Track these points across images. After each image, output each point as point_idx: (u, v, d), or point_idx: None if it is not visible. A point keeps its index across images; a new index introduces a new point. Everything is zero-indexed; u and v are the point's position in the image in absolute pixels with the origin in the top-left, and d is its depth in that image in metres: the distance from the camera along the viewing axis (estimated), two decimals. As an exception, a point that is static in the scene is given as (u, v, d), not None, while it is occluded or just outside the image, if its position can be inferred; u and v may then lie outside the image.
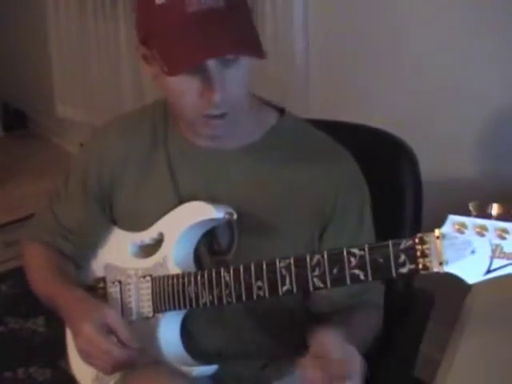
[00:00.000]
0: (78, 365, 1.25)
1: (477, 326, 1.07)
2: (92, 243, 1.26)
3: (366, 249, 0.91)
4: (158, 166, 1.18)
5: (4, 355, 2.29)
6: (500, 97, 1.79)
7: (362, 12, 2.07)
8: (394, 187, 1.35)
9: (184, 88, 1.02)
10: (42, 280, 1.24)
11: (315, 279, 0.96)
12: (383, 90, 2.06)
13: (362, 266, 0.92)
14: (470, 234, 0.83)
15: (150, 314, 1.15)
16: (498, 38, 1.74)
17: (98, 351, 1.07)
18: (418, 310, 1.35)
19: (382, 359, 1.20)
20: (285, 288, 0.98)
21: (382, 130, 1.41)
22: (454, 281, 1.42)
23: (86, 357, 1.10)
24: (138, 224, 1.19)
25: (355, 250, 0.93)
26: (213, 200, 1.12)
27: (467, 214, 0.83)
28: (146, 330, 1.15)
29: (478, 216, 0.83)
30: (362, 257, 0.92)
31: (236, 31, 0.99)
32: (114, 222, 1.25)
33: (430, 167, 1.85)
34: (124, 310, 1.19)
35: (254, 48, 1.00)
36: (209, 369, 1.11)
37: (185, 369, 1.10)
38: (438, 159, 1.92)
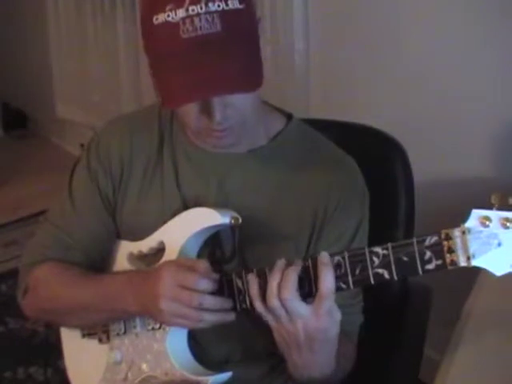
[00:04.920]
0: (78, 378, 1.24)
1: (477, 328, 1.07)
2: (102, 254, 1.21)
3: (390, 247, 0.91)
4: (163, 169, 1.16)
5: (4, 355, 2.29)
6: (500, 98, 1.79)
7: (362, 12, 2.07)
8: (388, 186, 1.34)
9: (183, 107, 1.01)
10: (69, 288, 1.16)
11: (336, 280, 0.95)
12: (383, 90, 2.06)
13: (385, 264, 0.91)
14: (494, 226, 0.84)
15: (157, 326, 1.12)
16: (501, 40, 1.74)
17: (186, 296, 1.01)
18: (417, 307, 1.35)
19: (387, 363, 1.21)
20: (303, 291, 0.96)
21: (375, 128, 1.40)
22: (454, 281, 1.42)
23: (174, 312, 1.02)
24: (139, 230, 1.16)
25: (378, 249, 0.92)
26: (218, 205, 1.11)
27: (489, 206, 0.84)
28: (152, 342, 1.13)
29: (500, 208, 0.83)
30: (385, 256, 0.91)
31: (232, 62, 0.94)
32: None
33: (429, 169, 1.86)
34: (126, 322, 1.16)
35: (252, 80, 0.96)
36: (224, 376, 1.10)
37: (200, 379, 1.09)
38: (436, 160, 1.93)
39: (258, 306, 0.98)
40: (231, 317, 1.05)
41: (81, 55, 3.46)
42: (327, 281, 0.93)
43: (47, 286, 1.19)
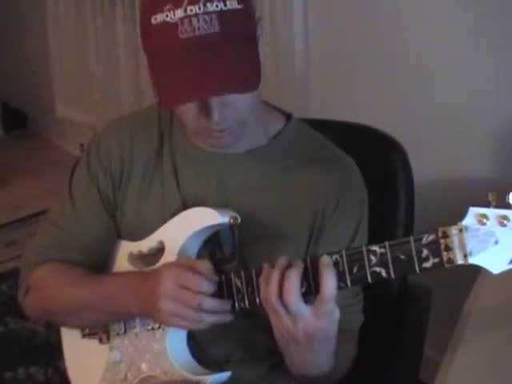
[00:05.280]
0: (78, 378, 1.24)
1: (477, 327, 1.07)
2: (103, 254, 1.21)
3: (387, 245, 0.91)
4: (163, 169, 1.16)
5: (4, 355, 2.29)
6: (500, 98, 1.79)
7: (362, 12, 2.07)
8: (388, 186, 1.35)
9: (181, 107, 1.02)
10: (70, 288, 1.17)
11: None
12: (383, 90, 2.06)
13: (383, 263, 0.91)
14: (491, 224, 0.84)
15: (156, 326, 1.12)
16: (501, 40, 1.74)
17: (187, 295, 1.01)
18: (417, 307, 1.35)
19: (387, 363, 1.21)
20: (303, 289, 0.95)
21: (375, 128, 1.40)
22: (454, 281, 1.42)
23: (173, 312, 1.02)
24: (139, 229, 1.16)
25: (375, 248, 0.92)
26: (218, 205, 1.11)
27: (487, 205, 0.84)
28: (152, 342, 1.13)
29: (497, 206, 0.84)
30: (382, 254, 0.91)
31: (230, 63, 0.94)
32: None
33: (429, 169, 1.86)
34: (126, 322, 1.16)
35: (250, 81, 0.96)
36: (223, 375, 1.10)
37: (199, 378, 1.09)
38: (436, 160, 1.93)
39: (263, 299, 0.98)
40: (229, 318, 1.05)
41: (81, 55, 3.46)
42: (330, 284, 0.93)
43: (48, 287, 1.19)
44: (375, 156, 1.36)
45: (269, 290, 0.95)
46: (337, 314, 0.96)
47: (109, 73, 3.30)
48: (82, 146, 3.36)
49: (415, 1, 1.94)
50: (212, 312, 1.03)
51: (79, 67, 3.50)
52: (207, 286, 1.02)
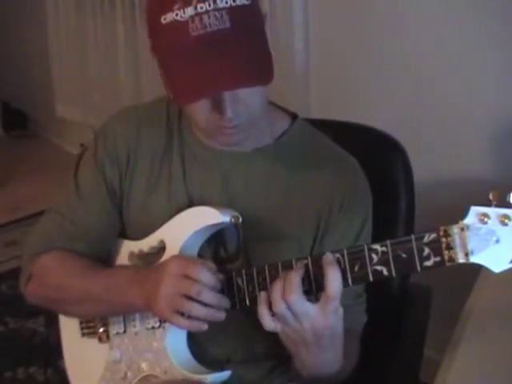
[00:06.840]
0: (78, 377, 1.25)
1: (477, 327, 1.07)
2: (105, 246, 1.21)
3: (388, 244, 0.91)
4: (171, 165, 1.16)
5: (4, 355, 2.29)
6: (500, 98, 1.79)
7: (363, 12, 2.07)
8: (388, 185, 1.35)
9: (194, 104, 1.01)
10: (73, 277, 1.17)
11: None
12: (383, 90, 2.06)
13: (384, 261, 0.91)
14: (493, 223, 0.84)
15: (157, 325, 1.13)
16: (501, 40, 1.74)
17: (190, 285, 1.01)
18: (417, 307, 1.35)
19: (387, 363, 1.21)
20: (303, 289, 0.96)
21: (375, 128, 1.41)
22: (454, 281, 1.42)
23: (170, 299, 1.02)
24: (145, 226, 1.16)
25: (377, 246, 0.92)
26: (223, 203, 1.11)
27: (488, 204, 0.85)
28: (152, 341, 1.14)
29: (499, 205, 0.84)
30: (384, 253, 0.91)
31: (243, 57, 0.95)
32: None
33: (429, 169, 1.86)
34: (126, 321, 1.17)
35: (262, 74, 0.97)
36: (223, 375, 1.10)
37: (199, 377, 1.09)
38: (436, 160, 1.93)
39: (266, 318, 0.97)
40: (222, 316, 1.04)
41: (81, 55, 3.46)
42: (335, 281, 0.93)
43: (52, 275, 1.19)
44: (375, 156, 1.36)
45: (273, 298, 0.95)
46: (341, 310, 0.97)
47: (109, 73, 3.30)
48: (82, 145, 3.36)
49: (415, 1, 1.94)
50: (209, 306, 1.02)
51: (79, 67, 3.50)
52: (210, 278, 1.02)
